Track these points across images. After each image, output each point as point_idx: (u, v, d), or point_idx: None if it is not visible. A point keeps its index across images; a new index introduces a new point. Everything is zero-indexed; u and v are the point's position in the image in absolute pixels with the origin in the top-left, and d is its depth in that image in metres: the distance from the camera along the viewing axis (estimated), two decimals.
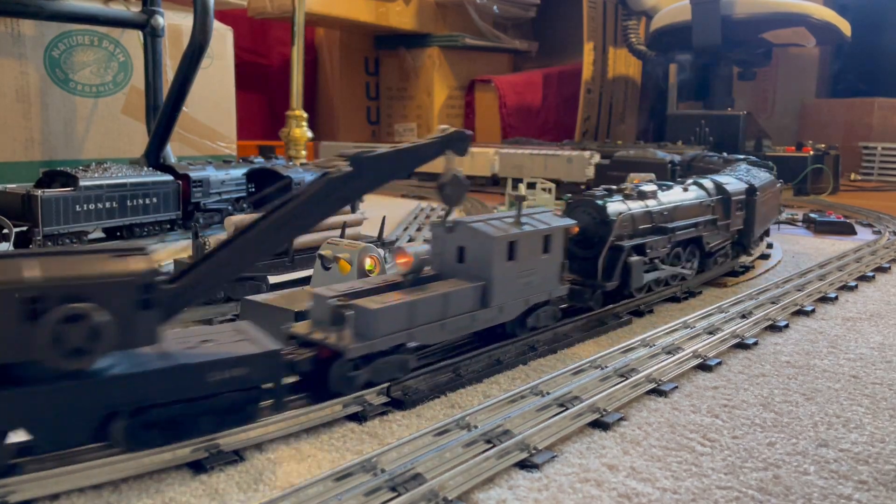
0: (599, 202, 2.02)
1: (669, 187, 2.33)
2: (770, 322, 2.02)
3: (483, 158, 5.47)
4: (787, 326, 2.02)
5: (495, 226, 1.61)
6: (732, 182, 2.58)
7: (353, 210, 3.49)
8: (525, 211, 1.73)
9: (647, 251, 2.09)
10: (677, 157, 3.72)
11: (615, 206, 2.04)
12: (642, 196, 2.17)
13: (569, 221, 1.82)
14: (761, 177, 2.86)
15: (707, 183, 2.49)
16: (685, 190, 2.38)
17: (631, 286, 2.03)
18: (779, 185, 3.18)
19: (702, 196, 2.40)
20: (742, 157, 3.46)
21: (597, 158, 4.81)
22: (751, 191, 2.61)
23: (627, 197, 2.13)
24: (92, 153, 4.02)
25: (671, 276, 2.25)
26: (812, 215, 4.02)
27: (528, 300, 1.69)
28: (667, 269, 2.21)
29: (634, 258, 2.03)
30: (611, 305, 2.03)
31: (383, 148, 1.41)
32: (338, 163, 1.34)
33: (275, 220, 1.26)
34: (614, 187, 2.12)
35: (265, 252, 1.30)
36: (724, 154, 3.71)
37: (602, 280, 1.97)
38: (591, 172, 4.78)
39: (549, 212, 1.81)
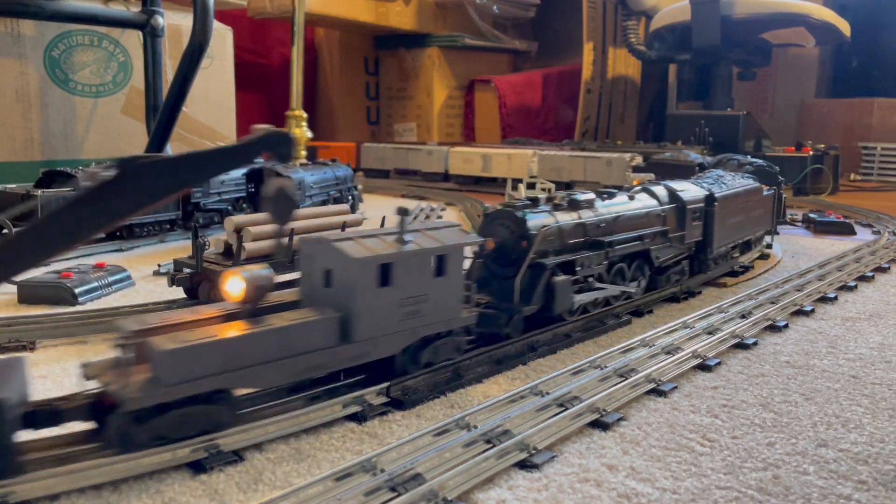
0: (519, 214, 1.79)
1: (612, 195, 2.11)
2: (769, 322, 2.02)
3: (521, 160, 5.27)
4: (786, 326, 2.02)
5: (367, 245, 1.37)
6: (689, 189, 2.36)
7: (353, 210, 3.50)
8: (421, 226, 1.52)
9: (578, 269, 1.88)
10: (709, 159, 3.67)
11: (537, 219, 1.80)
12: (575, 206, 1.95)
13: (473, 238, 1.61)
14: (735, 183, 2.65)
15: (659, 190, 2.28)
16: (631, 198, 2.16)
17: (555, 309, 1.81)
18: (767, 192, 2.91)
19: (651, 205, 2.19)
20: (754, 159, 3.42)
21: (638, 161, 4.67)
22: (710, 199, 2.39)
23: (557, 207, 1.91)
24: (92, 153, 4.02)
25: (613, 295, 2.03)
26: (812, 215, 4.02)
27: (417, 332, 1.45)
28: (605, 288, 1.98)
29: (559, 278, 1.80)
30: (534, 332, 1.77)
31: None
32: (99, 170, 1.11)
33: (2, 246, 1.06)
34: (541, 196, 1.92)
35: None
36: (748, 156, 3.65)
37: (520, 303, 1.73)
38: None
39: (455, 227, 1.58)
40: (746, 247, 2.78)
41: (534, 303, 1.76)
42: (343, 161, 6.21)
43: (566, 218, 1.89)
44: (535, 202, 1.88)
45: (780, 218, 3.19)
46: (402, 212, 1.47)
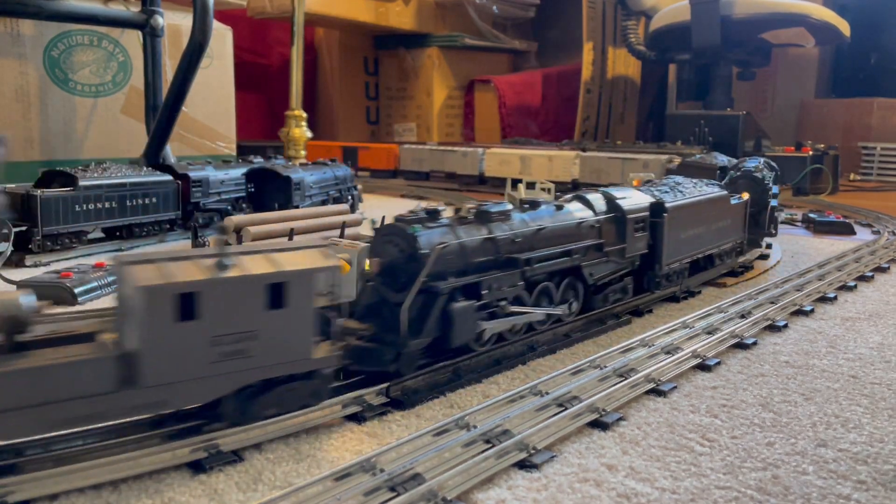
0: (409, 230, 1.53)
1: (535, 206, 1.85)
2: (769, 322, 2.02)
3: (562, 162, 5.10)
4: (786, 326, 2.02)
5: (167, 270, 1.12)
6: (633, 197, 2.11)
7: (353, 210, 3.50)
8: (267, 246, 1.28)
9: (484, 292, 1.61)
10: (734, 161, 3.61)
11: (432, 235, 1.54)
12: (484, 219, 1.68)
13: (331, 262, 1.30)
14: (695, 191, 2.39)
15: (595, 198, 2.03)
16: (559, 208, 1.90)
17: (452, 341, 1.52)
18: (736, 201, 2.62)
19: (583, 215, 1.93)
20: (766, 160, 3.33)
21: (677, 162, 4.48)
22: (657, 208, 2.14)
23: (462, 221, 1.65)
24: (91, 153, 4.02)
25: (538, 320, 1.78)
26: (811, 215, 4.03)
27: (242, 377, 1.19)
28: (523, 314, 1.71)
29: (459, 304, 1.53)
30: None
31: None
32: None
33: None
34: (442, 208, 1.66)
35: None
36: (760, 159, 3.55)
37: (408, 336, 1.45)
38: None
39: (322, 247, 1.32)
40: (710, 262, 2.50)
41: (425, 335, 1.49)
42: (385, 163, 6.15)
43: (472, 233, 1.63)
44: (434, 215, 1.61)
45: (765, 230, 2.86)
46: (221, 230, 1.24)
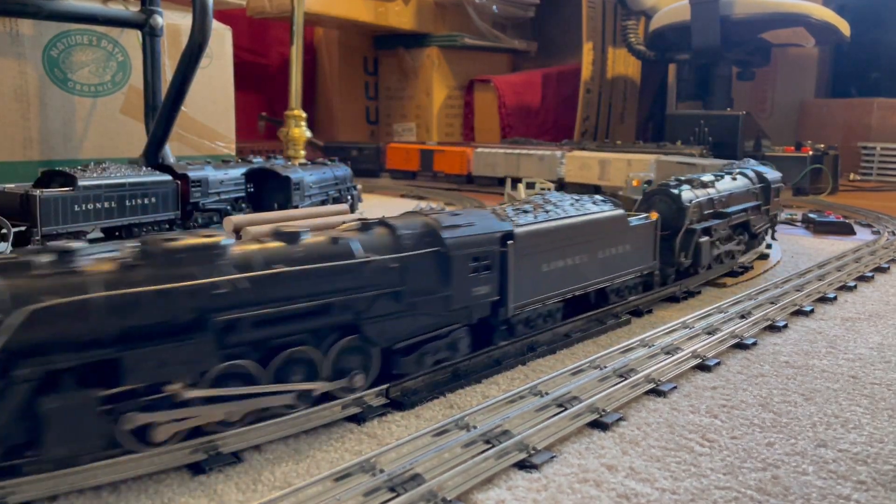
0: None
1: (291, 239, 1.32)
2: (769, 322, 2.02)
3: (641, 166, 4.81)
4: (786, 327, 2.02)
5: None
6: (474, 224, 1.56)
7: (353, 210, 3.50)
8: None
9: (132, 374, 1.09)
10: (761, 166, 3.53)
11: (22, 292, 1.02)
12: (166, 263, 1.14)
13: None
14: (573, 210, 1.89)
15: (406, 226, 1.47)
16: (334, 242, 1.35)
17: (46, 449, 1.04)
18: (639, 221, 2.12)
19: (375, 253, 1.38)
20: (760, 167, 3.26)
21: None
22: (505, 237, 1.62)
23: (124, 266, 1.12)
24: (90, 153, 4.02)
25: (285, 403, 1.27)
26: (811, 215, 4.03)
27: None
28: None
29: (59, 396, 1.04)
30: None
31: None
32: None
33: None
34: (77, 245, 1.10)
35: None
36: (757, 167, 3.46)
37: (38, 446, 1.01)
38: None
39: None
40: (603, 298, 2.03)
41: (62, 444, 1.03)
42: (458, 167, 6.02)
43: (125, 283, 1.10)
44: (65, 255, 1.08)
45: (673, 259, 2.30)
46: None
